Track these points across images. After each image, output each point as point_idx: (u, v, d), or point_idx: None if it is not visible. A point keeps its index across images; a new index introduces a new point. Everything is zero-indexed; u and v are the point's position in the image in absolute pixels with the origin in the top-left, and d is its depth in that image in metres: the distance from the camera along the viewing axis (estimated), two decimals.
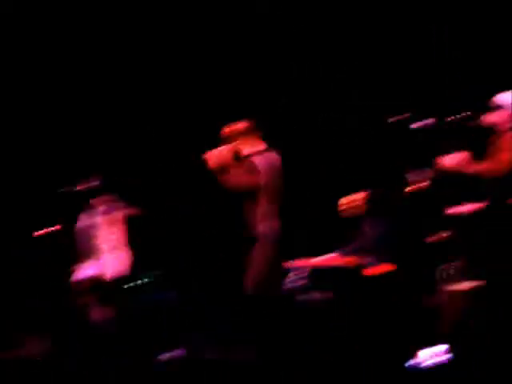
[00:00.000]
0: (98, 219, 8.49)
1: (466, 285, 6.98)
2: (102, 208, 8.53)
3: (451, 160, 6.19)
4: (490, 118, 6.19)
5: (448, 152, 6.23)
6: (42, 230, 8.56)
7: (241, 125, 7.22)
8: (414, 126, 6.59)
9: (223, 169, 7.01)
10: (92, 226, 8.48)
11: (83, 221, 8.59)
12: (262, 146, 7.21)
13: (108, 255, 8.39)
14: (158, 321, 7.65)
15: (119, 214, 8.55)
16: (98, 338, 7.14)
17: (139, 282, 8.76)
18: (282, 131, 9.35)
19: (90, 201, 8.55)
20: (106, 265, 8.33)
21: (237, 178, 7.08)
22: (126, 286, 8.37)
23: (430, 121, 6.67)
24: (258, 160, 7.13)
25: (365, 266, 7.00)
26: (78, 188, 8.47)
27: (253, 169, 7.08)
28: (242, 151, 7.17)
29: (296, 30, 9.49)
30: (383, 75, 9.17)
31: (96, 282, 8.22)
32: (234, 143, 7.17)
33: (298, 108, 9.67)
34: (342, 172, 9.52)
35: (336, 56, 9.39)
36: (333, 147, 9.55)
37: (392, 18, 9.18)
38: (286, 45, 9.57)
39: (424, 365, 6.28)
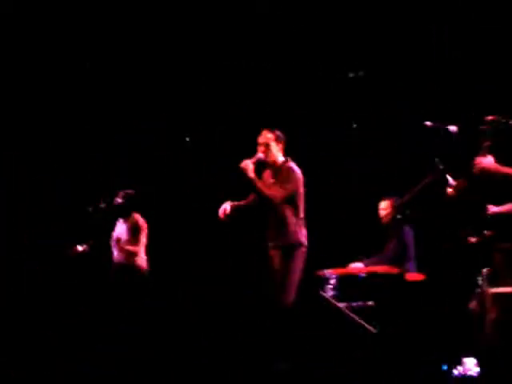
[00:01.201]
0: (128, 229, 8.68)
1: (504, 288, 6.90)
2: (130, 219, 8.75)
3: (487, 162, 6.13)
4: None
5: (485, 152, 6.17)
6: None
7: (271, 133, 7.20)
8: (449, 129, 6.52)
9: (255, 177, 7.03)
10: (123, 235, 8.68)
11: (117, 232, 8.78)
12: (286, 156, 7.23)
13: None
14: None
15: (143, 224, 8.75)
16: None
17: None
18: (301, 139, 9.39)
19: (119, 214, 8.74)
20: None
21: (274, 185, 7.08)
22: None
23: (453, 126, 6.61)
24: (294, 168, 7.13)
25: (403, 274, 6.91)
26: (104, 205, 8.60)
27: (291, 176, 7.06)
28: (277, 159, 7.17)
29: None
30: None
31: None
32: (265, 151, 7.16)
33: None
34: (367, 180, 9.49)
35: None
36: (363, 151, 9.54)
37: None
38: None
39: (470, 373, 6.17)
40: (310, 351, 6.56)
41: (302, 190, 7.12)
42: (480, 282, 6.90)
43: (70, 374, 6.55)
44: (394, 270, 7.62)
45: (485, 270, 7.01)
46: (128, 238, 8.74)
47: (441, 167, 6.60)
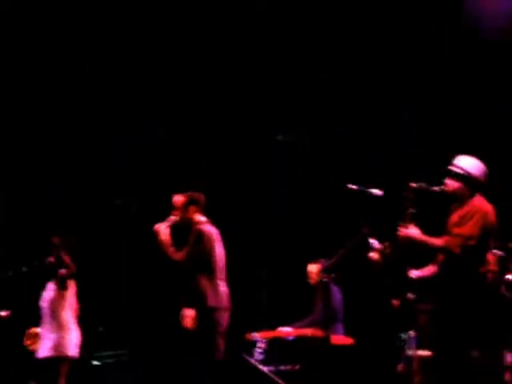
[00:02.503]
0: (57, 295, 8.42)
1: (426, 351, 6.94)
2: (59, 285, 8.49)
3: (411, 232, 6.19)
4: (452, 185, 6.20)
5: (409, 219, 6.24)
6: None
7: (183, 196, 7.25)
8: (374, 192, 6.60)
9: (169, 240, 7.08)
10: (53, 302, 8.40)
11: (45, 297, 8.53)
12: (204, 217, 7.25)
13: (69, 331, 8.28)
14: None
15: (73, 291, 8.48)
16: None
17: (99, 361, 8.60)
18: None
19: (48, 278, 8.50)
20: (68, 342, 8.21)
21: (188, 247, 7.08)
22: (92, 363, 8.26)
23: (379, 191, 6.68)
24: (204, 230, 7.15)
25: (329, 337, 6.89)
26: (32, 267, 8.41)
27: (204, 237, 7.08)
28: (191, 221, 7.19)
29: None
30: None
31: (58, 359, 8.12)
32: (178, 214, 7.21)
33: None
34: (295, 240, 9.53)
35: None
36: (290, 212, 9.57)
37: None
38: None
39: None
40: None
41: (216, 251, 7.12)
42: (406, 344, 6.94)
43: None
44: (321, 334, 7.60)
45: (411, 333, 7.06)
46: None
47: (365, 230, 6.65)
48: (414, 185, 6.24)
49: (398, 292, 6.34)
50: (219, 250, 7.16)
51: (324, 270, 7.02)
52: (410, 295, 6.28)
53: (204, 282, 7.03)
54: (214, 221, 7.28)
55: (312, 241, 9.20)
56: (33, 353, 8.22)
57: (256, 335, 7.97)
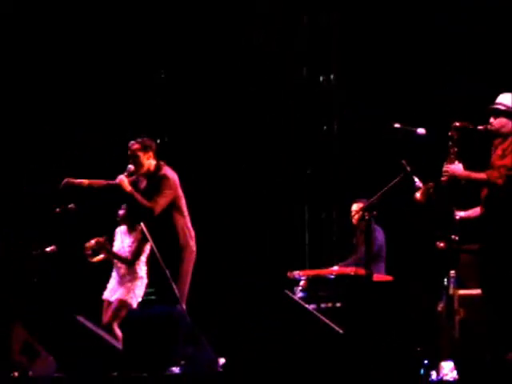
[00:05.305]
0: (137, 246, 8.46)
1: (473, 290, 6.94)
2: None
3: (456, 169, 6.16)
4: (496, 123, 6.15)
5: (452, 158, 6.21)
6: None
7: (137, 144, 7.16)
8: (418, 131, 6.58)
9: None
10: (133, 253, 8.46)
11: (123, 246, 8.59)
12: (161, 162, 7.20)
13: (141, 282, 8.42)
14: (161, 334, 7.56)
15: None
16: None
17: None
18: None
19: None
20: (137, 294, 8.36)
21: (159, 195, 7.00)
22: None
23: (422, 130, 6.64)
24: (167, 174, 7.11)
25: (371, 275, 6.92)
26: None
27: (170, 181, 7.06)
28: (149, 168, 7.15)
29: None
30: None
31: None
32: (135, 162, 7.12)
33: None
34: (340, 181, 9.54)
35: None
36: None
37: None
38: None
39: (447, 378, 6.11)
40: (277, 352, 6.56)
41: (179, 192, 7.13)
42: (447, 283, 6.95)
43: None
44: (363, 272, 7.63)
45: (452, 272, 7.06)
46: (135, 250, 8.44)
47: (408, 169, 6.63)
48: (457, 124, 6.22)
49: (443, 233, 6.32)
50: (180, 190, 7.18)
51: (365, 209, 6.98)
52: (455, 236, 6.28)
53: (180, 223, 7.09)
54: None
55: (356, 180, 9.19)
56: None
57: (297, 273, 8.04)
